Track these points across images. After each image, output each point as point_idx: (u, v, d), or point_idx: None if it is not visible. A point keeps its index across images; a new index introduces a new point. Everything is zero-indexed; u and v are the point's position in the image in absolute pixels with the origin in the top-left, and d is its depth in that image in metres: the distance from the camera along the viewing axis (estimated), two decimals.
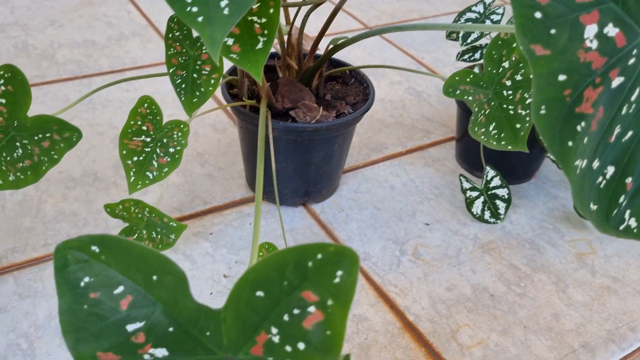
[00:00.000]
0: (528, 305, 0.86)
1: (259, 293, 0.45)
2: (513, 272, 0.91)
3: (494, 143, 0.81)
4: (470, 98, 0.75)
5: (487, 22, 0.94)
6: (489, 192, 0.96)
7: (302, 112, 0.89)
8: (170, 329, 0.46)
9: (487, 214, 0.97)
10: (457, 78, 0.74)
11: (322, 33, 0.87)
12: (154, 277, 0.46)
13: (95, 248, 0.46)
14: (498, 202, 0.96)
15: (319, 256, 0.43)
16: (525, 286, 0.89)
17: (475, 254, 0.93)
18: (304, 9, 1.68)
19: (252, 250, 0.60)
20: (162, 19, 1.51)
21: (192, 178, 1.02)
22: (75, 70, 1.26)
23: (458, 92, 0.74)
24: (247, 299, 0.46)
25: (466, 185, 0.96)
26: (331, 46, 0.89)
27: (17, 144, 0.68)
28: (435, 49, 1.49)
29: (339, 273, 0.43)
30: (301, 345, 0.45)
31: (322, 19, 1.55)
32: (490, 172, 0.95)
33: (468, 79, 0.75)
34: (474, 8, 0.97)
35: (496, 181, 0.95)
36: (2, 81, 0.66)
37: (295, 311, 0.45)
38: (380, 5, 1.73)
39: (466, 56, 0.97)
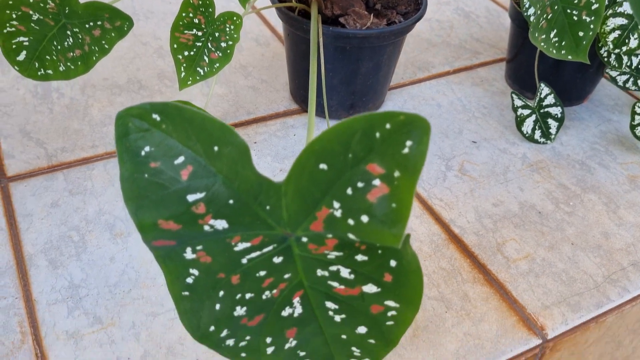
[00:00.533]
0: (577, 224, 0.84)
1: (322, 166, 0.44)
2: (562, 191, 0.88)
3: (554, 51, 0.78)
4: None
5: None
6: (542, 111, 0.93)
7: (352, 19, 0.86)
8: (230, 202, 0.46)
9: (537, 134, 0.94)
10: None
11: None
12: (215, 148, 0.45)
13: (156, 116, 0.45)
14: (550, 121, 0.93)
15: (388, 126, 0.42)
16: (574, 205, 0.87)
17: (524, 172, 0.91)
18: None
19: (308, 137, 0.59)
20: None
21: (236, 89, 1.00)
22: None
23: None
24: (310, 171, 0.45)
25: (518, 102, 0.93)
26: None
27: (68, 32, 0.67)
28: None
29: (409, 143, 0.42)
30: (364, 219, 0.44)
31: None
32: (544, 89, 0.92)
33: None
34: None
35: (550, 99, 0.92)
36: None
37: (360, 184, 0.44)
38: None
39: None
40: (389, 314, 0.50)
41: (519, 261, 0.79)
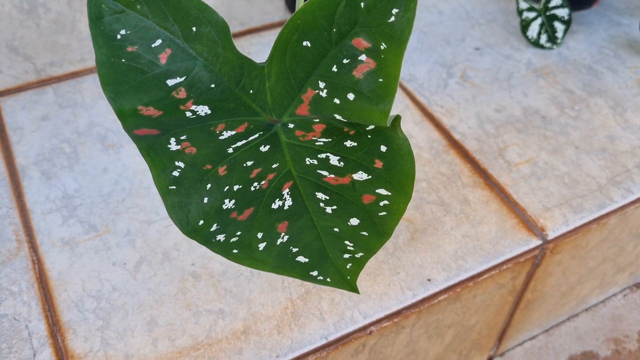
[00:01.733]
0: (582, 128, 0.81)
1: (306, 43, 0.42)
2: (567, 95, 0.86)
3: None
4: None
5: None
6: (548, 13, 0.89)
7: None
8: (212, 86, 0.44)
9: (543, 38, 0.90)
10: None
11: None
12: (193, 29, 0.43)
13: None
14: (556, 24, 0.89)
15: None
16: (579, 109, 0.84)
17: (528, 78, 0.88)
18: None
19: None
20: None
21: (228, 0, 0.97)
22: None
23: None
24: (293, 50, 0.43)
25: (523, 5, 0.89)
26: None
27: None
28: None
29: (395, 11, 0.39)
30: (351, 96, 0.42)
31: None
32: None
33: None
34: None
35: (556, 0, 0.88)
36: None
37: (345, 61, 0.42)
38: None
39: None
40: (381, 203, 0.49)
41: (521, 165, 0.77)
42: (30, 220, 0.67)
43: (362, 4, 0.40)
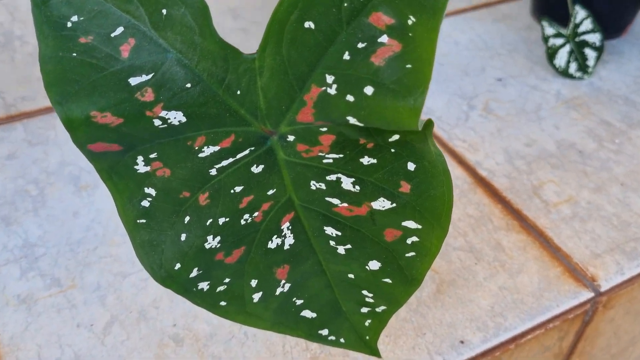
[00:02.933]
0: (625, 162, 0.71)
1: (308, 24, 0.32)
2: (605, 128, 0.76)
3: None
4: None
5: None
6: (577, 39, 0.80)
7: None
8: (188, 85, 0.34)
9: (572, 67, 0.81)
10: None
11: None
12: (164, 12, 0.33)
13: None
14: (587, 50, 0.81)
15: None
16: (620, 143, 0.74)
17: (559, 109, 0.78)
18: None
19: None
20: None
21: (223, 32, 0.89)
22: None
23: None
24: (292, 35, 0.33)
25: (549, 31, 0.80)
26: None
27: None
28: None
29: None
30: (368, 90, 0.32)
31: None
32: (580, 13, 0.79)
33: None
34: None
35: (587, 24, 0.79)
36: None
37: (360, 45, 0.32)
38: None
39: None
40: (409, 240, 0.38)
41: (560, 205, 0.66)
42: None
43: None
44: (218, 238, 0.38)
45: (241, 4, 0.95)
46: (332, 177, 0.36)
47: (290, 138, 0.35)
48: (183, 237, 0.38)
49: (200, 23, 0.33)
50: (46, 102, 0.74)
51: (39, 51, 0.34)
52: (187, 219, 0.37)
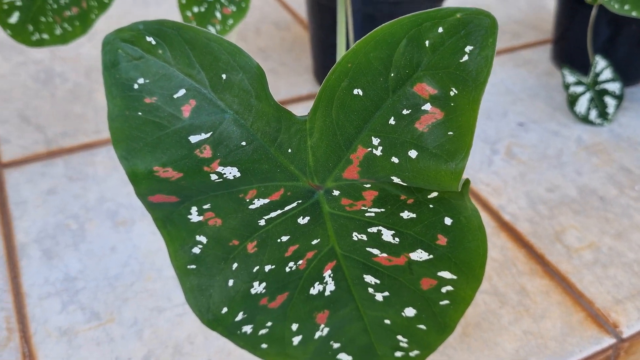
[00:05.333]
0: None
1: (357, 91, 0.35)
2: (625, 174, 0.77)
3: (616, 5, 0.68)
4: None
5: None
6: (597, 87, 0.83)
7: None
8: (243, 143, 0.37)
9: (592, 114, 0.83)
10: None
11: None
12: (223, 76, 0.36)
13: (150, 39, 0.36)
14: (607, 98, 0.83)
15: (440, 29, 0.33)
16: None
17: (580, 155, 0.80)
18: None
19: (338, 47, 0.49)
20: None
21: None
22: None
23: None
24: (341, 100, 0.35)
25: (570, 79, 0.83)
26: None
27: None
28: None
29: (468, 48, 0.32)
30: (412, 154, 0.34)
31: None
32: (600, 63, 0.82)
33: None
34: None
35: (607, 74, 0.82)
36: None
37: (405, 111, 0.34)
38: None
39: None
40: (444, 289, 0.40)
41: (582, 250, 0.68)
42: (24, 306, 0.59)
43: (427, 42, 0.33)
44: (263, 284, 0.40)
45: (271, 44, 0.99)
46: (374, 229, 0.39)
47: (336, 193, 0.38)
48: (230, 282, 0.40)
49: (257, 87, 0.36)
50: (85, 139, 0.78)
51: (108, 110, 0.37)
52: (235, 265, 0.40)
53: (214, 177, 0.37)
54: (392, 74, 0.34)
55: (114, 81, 0.37)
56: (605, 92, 0.83)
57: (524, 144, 0.82)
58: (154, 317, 0.58)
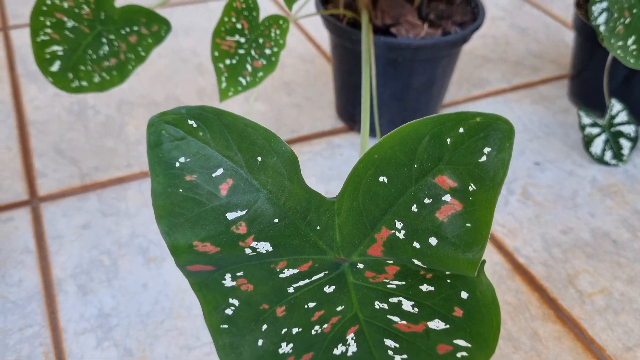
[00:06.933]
0: None
1: (382, 179, 0.38)
2: (638, 218, 0.79)
3: (632, 60, 0.70)
4: None
5: None
6: (613, 129, 0.85)
7: (404, 29, 0.80)
8: (275, 221, 0.40)
9: (607, 155, 0.85)
10: None
11: None
12: (259, 159, 0.39)
13: (192, 122, 0.40)
14: (622, 140, 0.85)
15: (461, 130, 0.35)
16: None
17: (594, 196, 0.82)
18: None
19: (362, 147, 0.52)
20: None
21: (279, 107, 0.95)
22: None
23: None
24: (367, 186, 0.38)
25: (586, 120, 0.85)
26: None
27: (104, 39, 0.63)
28: None
29: (486, 150, 0.35)
30: (433, 241, 0.37)
31: None
32: (615, 106, 0.84)
33: None
34: None
35: (622, 116, 0.84)
36: None
37: (427, 200, 0.37)
38: None
39: None
40: (459, 354, 0.43)
41: (594, 296, 0.70)
42: (62, 342, 0.62)
43: (448, 139, 0.36)
44: (290, 345, 0.43)
45: (295, 78, 1.02)
46: (394, 299, 0.41)
47: (360, 266, 0.41)
48: (260, 342, 0.43)
49: (289, 170, 0.39)
50: (117, 173, 0.81)
51: (152, 187, 0.40)
52: (264, 327, 0.43)
53: (248, 251, 0.40)
54: (416, 165, 0.36)
55: (158, 159, 0.40)
56: (621, 134, 0.85)
57: (539, 184, 0.84)
58: (183, 355, 0.62)
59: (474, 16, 0.85)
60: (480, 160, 0.35)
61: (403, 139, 0.36)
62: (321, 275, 0.41)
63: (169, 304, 0.66)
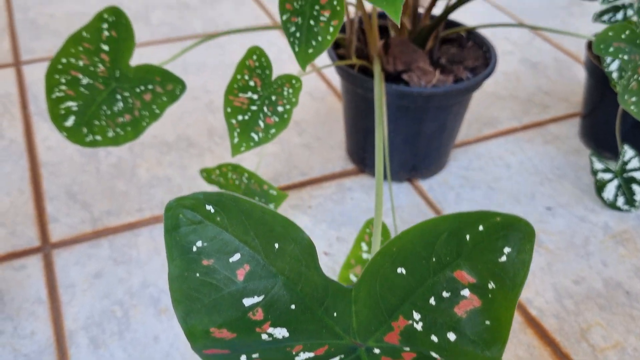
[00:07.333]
0: None
1: (400, 270, 0.38)
2: None
3: (635, 110, 0.69)
4: (626, 57, 0.64)
5: None
6: (625, 175, 0.84)
7: (416, 76, 0.80)
8: (292, 307, 0.40)
9: (620, 200, 0.85)
10: (611, 33, 0.63)
11: None
12: (276, 245, 0.39)
13: (210, 208, 0.40)
14: (635, 187, 0.84)
15: (480, 228, 0.35)
16: None
17: (607, 244, 0.82)
18: None
19: (376, 221, 0.52)
20: None
21: (289, 147, 0.95)
22: (168, 32, 1.23)
23: (611, 49, 0.63)
24: (385, 276, 0.38)
25: (598, 166, 0.85)
26: (452, 1, 0.80)
27: (118, 96, 0.64)
28: (552, 17, 1.36)
29: (506, 250, 0.35)
30: (451, 336, 0.37)
31: None
32: (628, 152, 0.83)
33: (624, 35, 0.64)
34: None
35: (635, 162, 0.83)
36: (105, 25, 0.61)
37: (445, 294, 0.37)
38: None
39: (605, 16, 0.85)
40: None
41: (607, 350, 0.69)
42: None
43: (467, 236, 0.36)
44: None
45: (306, 116, 1.02)
46: None
47: (376, 351, 0.40)
48: None
49: (307, 258, 0.39)
50: (129, 218, 0.82)
51: (168, 271, 0.40)
52: None
53: (264, 336, 0.40)
54: (434, 259, 0.36)
55: (175, 243, 0.40)
56: (633, 180, 0.84)
57: (551, 230, 0.83)
58: None
59: (485, 60, 0.85)
60: (500, 260, 0.35)
61: (422, 233, 0.36)
62: (337, 359, 0.41)
63: (180, 358, 0.66)
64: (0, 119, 0.97)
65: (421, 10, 1.02)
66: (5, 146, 0.92)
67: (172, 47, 1.18)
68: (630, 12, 0.83)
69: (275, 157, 0.93)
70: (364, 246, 0.73)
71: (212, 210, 0.40)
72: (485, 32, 1.26)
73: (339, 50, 0.85)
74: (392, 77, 0.82)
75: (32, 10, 1.28)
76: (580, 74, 1.16)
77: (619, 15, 0.84)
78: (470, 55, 0.87)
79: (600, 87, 0.90)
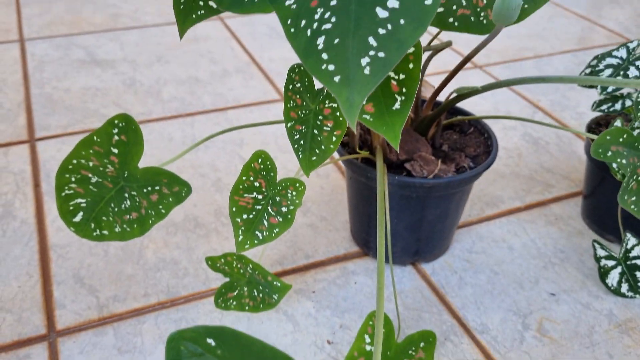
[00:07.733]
0: None
1: None
2: None
3: (635, 209, 0.70)
4: (624, 161, 0.65)
5: (632, 69, 0.83)
6: (629, 262, 0.85)
7: (418, 165, 0.82)
8: None
9: (624, 287, 0.85)
10: (608, 137, 0.64)
11: (446, 81, 0.80)
12: None
13: (210, 341, 0.41)
14: (639, 274, 0.85)
15: None
16: None
17: (612, 333, 0.81)
18: (424, 55, 1.61)
19: (377, 315, 0.53)
20: (264, 55, 1.49)
21: (294, 228, 0.96)
22: (179, 107, 1.26)
23: (609, 154, 0.65)
24: None
25: (601, 252, 0.85)
26: (454, 95, 0.82)
27: (126, 194, 0.65)
28: (552, 91, 1.38)
29: None
30: None
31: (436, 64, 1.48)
32: (631, 240, 0.84)
33: (621, 139, 0.65)
34: (615, 53, 0.86)
35: (638, 250, 0.84)
36: (116, 130, 0.63)
37: None
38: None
39: (604, 106, 0.87)
40: None
41: None
42: None
43: None
44: None
45: (310, 195, 1.03)
46: None
47: None
48: None
49: None
50: (135, 304, 0.82)
51: None
52: None
53: None
54: None
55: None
56: (637, 267, 0.85)
57: (555, 318, 0.83)
58: None
59: (487, 147, 0.87)
60: None
61: None
62: None
63: None
64: (12, 198, 1.00)
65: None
66: (16, 228, 0.94)
67: (183, 122, 1.21)
68: (628, 102, 0.85)
69: (280, 239, 0.94)
70: (367, 338, 0.73)
71: (213, 344, 0.41)
72: (487, 107, 1.29)
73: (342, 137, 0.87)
74: (394, 166, 0.83)
75: (47, 85, 1.32)
76: (581, 150, 1.17)
77: (618, 106, 0.86)
78: (472, 142, 0.89)
79: (600, 172, 0.91)
